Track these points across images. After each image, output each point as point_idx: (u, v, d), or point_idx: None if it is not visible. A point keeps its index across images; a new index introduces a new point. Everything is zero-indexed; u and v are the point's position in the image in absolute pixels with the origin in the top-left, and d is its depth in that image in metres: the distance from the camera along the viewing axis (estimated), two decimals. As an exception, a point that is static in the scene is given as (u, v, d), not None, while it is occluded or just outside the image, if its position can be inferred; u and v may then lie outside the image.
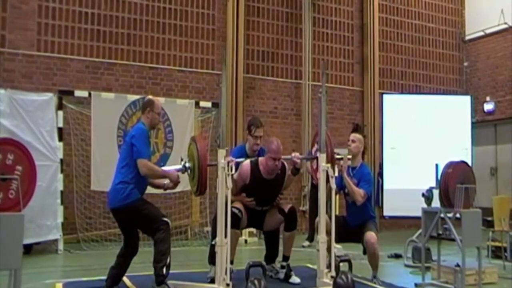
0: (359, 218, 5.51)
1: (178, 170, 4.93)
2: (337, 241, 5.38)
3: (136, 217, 4.73)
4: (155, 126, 5.10)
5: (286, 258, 5.55)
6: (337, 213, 6.41)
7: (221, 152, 4.67)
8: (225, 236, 4.57)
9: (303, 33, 11.19)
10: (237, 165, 5.24)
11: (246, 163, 5.32)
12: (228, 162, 4.62)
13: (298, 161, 5.30)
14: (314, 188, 7.94)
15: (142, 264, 5.32)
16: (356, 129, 5.79)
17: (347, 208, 5.66)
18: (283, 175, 5.43)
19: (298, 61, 11.18)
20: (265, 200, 5.43)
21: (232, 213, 5.09)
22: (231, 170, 4.58)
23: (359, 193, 5.34)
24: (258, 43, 10.80)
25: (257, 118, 6.12)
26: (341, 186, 5.47)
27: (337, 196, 5.95)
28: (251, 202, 5.35)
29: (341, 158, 5.39)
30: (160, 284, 4.57)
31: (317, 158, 5.26)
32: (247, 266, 4.65)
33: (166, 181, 4.97)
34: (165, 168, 5.10)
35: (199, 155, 4.65)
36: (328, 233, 5.07)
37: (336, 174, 5.16)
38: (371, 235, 5.30)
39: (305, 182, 10.70)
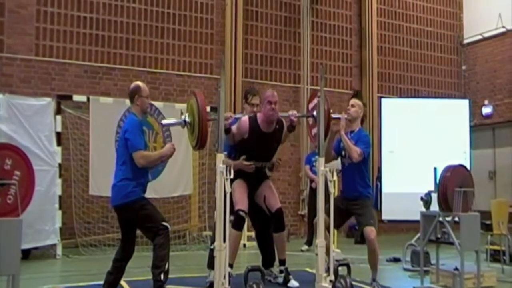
0: (355, 184, 5.45)
1: (178, 124, 4.95)
2: (335, 227, 5.38)
3: (137, 216, 4.70)
4: (146, 110, 5.03)
5: (282, 261, 5.54)
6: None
7: (219, 157, 4.65)
8: (224, 241, 4.56)
9: (302, 37, 11.23)
10: (235, 121, 5.41)
11: (245, 117, 5.44)
12: (227, 118, 4.86)
13: (295, 118, 5.39)
14: (313, 192, 8.00)
15: (141, 268, 5.32)
16: (356, 94, 5.92)
17: (343, 173, 5.66)
18: (281, 129, 5.52)
19: (296, 65, 11.20)
20: (264, 155, 5.47)
21: (239, 216, 5.18)
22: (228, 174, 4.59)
23: (355, 150, 5.33)
24: (257, 48, 10.82)
25: (253, 87, 6.23)
26: (338, 150, 5.54)
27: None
28: (250, 165, 5.36)
29: (338, 118, 5.46)
30: None
31: (313, 116, 5.34)
32: (246, 271, 4.65)
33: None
34: (164, 121, 5.03)
35: (199, 109, 4.64)
36: (327, 228, 5.05)
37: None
38: (370, 230, 5.26)
39: (304, 186, 10.71)
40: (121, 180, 4.71)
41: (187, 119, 4.86)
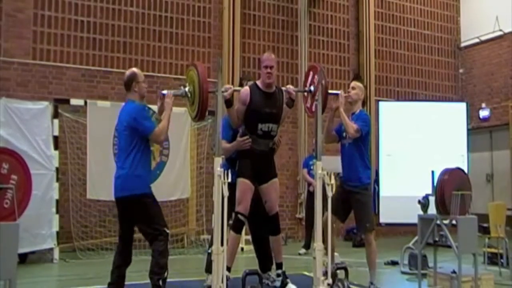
0: (355, 164, 5.49)
1: (178, 94, 4.90)
2: (340, 220, 5.61)
3: (141, 213, 4.61)
4: (144, 95, 4.89)
5: (279, 265, 5.46)
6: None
7: (217, 160, 4.62)
8: (222, 244, 4.56)
9: (299, 40, 11.23)
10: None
11: (245, 87, 5.36)
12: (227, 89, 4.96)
13: (293, 92, 5.35)
14: (311, 195, 7.98)
15: (138, 273, 5.30)
16: (357, 77, 5.97)
17: (342, 155, 5.66)
18: (281, 94, 5.38)
19: (294, 68, 11.21)
20: (270, 114, 5.24)
21: (238, 220, 5.11)
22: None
23: (352, 126, 5.38)
24: (254, 51, 10.82)
25: (248, 73, 6.15)
26: (340, 131, 5.59)
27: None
28: (246, 140, 5.20)
29: (336, 94, 5.50)
30: None
31: (310, 91, 5.38)
32: (243, 274, 4.65)
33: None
34: (164, 91, 4.94)
35: (199, 79, 4.58)
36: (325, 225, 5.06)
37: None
38: (368, 235, 5.48)
39: (302, 189, 10.70)
40: (128, 170, 4.59)
41: (187, 88, 4.82)
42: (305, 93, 5.58)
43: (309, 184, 8.67)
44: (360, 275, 5.88)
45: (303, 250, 8.67)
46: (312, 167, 8.09)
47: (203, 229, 9.11)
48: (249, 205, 5.25)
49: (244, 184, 5.20)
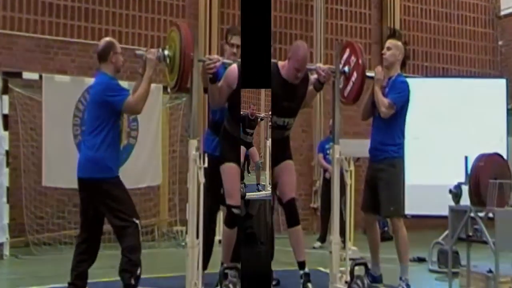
0: (380, 136, 5.69)
1: (155, 58, 4.88)
2: (364, 210, 5.93)
3: (104, 199, 4.80)
4: (119, 70, 5.06)
5: (301, 264, 5.35)
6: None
7: (192, 143, 4.70)
8: (197, 237, 4.61)
9: (315, 10, 11.37)
10: (223, 71, 5.17)
11: (233, 66, 5.14)
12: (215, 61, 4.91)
13: (323, 73, 5.22)
14: (327, 183, 8.27)
15: (102, 269, 5.40)
16: (393, 34, 6.10)
17: (372, 126, 5.88)
18: (306, 84, 5.31)
19: (308, 42, 11.10)
20: (289, 108, 5.24)
21: (232, 213, 5.18)
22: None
23: (383, 103, 5.54)
24: (234, 22, 10.75)
25: (236, 26, 6.33)
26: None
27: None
28: (212, 64, 4.97)
29: (372, 77, 5.57)
30: None
31: (345, 72, 5.37)
32: (221, 269, 4.76)
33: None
34: (139, 52, 4.95)
35: (182, 43, 4.60)
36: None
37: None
38: (395, 223, 5.69)
39: (317, 176, 10.91)
40: (92, 150, 4.79)
41: (166, 52, 4.84)
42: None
43: (325, 170, 8.96)
44: (382, 272, 5.98)
45: (318, 244, 9.08)
46: (328, 152, 8.32)
47: (176, 220, 9.37)
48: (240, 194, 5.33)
49: (231, 169, 5.22)
